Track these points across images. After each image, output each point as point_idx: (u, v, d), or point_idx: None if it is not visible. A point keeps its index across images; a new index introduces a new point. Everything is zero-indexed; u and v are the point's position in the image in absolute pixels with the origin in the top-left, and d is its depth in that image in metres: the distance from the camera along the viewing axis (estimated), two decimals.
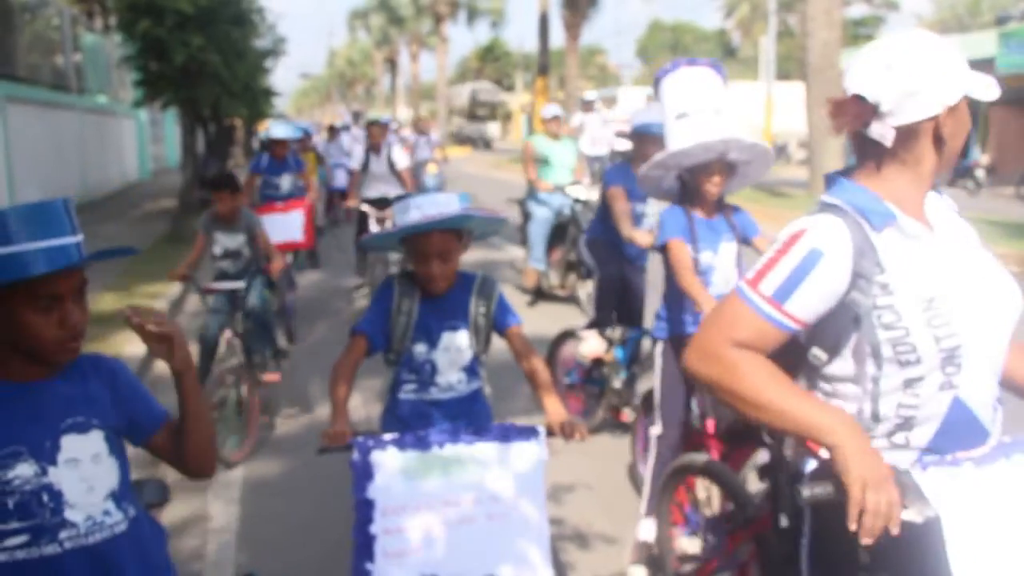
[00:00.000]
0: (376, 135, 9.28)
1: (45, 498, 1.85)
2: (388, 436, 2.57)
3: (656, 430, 4.00)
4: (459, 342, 3.12)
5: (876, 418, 1.91)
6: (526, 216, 9.64)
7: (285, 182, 8.90)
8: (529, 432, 2.64)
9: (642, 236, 5.01)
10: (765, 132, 28.81)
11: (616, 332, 5.38)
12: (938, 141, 1.91)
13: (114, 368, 2.05)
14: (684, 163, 3.80)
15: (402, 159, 9.35)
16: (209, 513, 4.49)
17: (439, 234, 2.95)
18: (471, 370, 3.16)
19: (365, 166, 9.24)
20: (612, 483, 4.79)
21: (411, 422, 3.02)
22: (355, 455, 2.51)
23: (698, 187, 3.85)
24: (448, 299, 3.11)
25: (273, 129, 9.29)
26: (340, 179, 13.74)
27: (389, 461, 2.51)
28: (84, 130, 17.16)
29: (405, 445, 2.53)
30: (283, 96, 31.75)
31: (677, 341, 3.92)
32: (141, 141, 23.79)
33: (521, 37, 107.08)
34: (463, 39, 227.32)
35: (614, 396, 5.33)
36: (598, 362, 5.42)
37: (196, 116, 15.37)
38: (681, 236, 3.86)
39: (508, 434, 2.62)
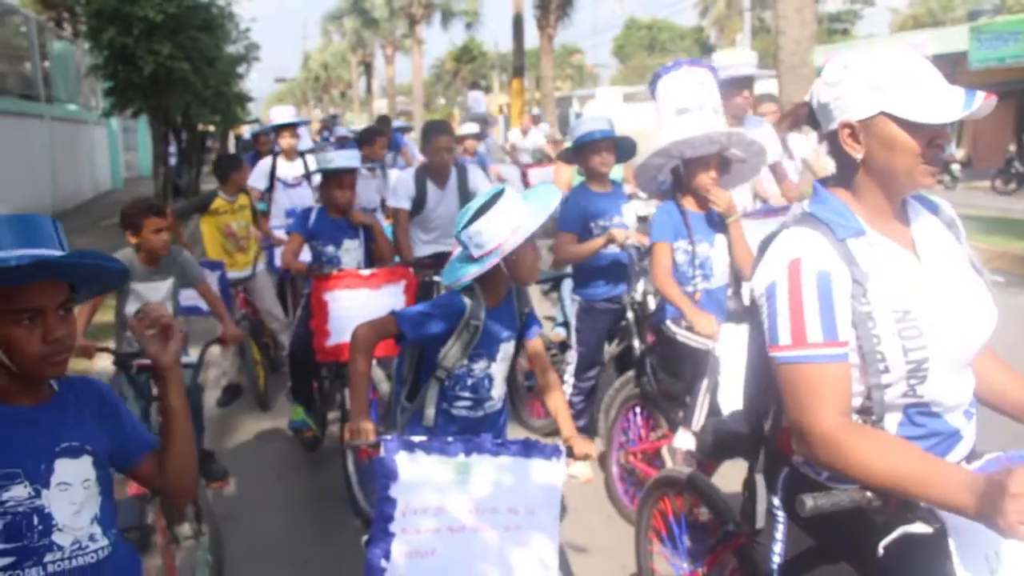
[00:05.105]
0: (441, 154, 5.49)
1: (35, 520, 1.85)
2: (416, 438, 2.55)
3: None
4: (510, 351, 3.07)
5: None
6: None
7: (348, 255, 5.02)
8: (551, 450, 2.65)
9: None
10: None
11: None
12: (844, 154, 1.93)
13: (100, 392, 2.05)
14: (687, 153, 3.82)
15: (484, 183, 5.71)
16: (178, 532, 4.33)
17: None
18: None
19: (420, 202, 5.61)
20: (581, 493, 4.64)
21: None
22: (382, 452, 2.49)
23: (693, 180, 3.87)
24: (506, 307, 3.03)
25: (335, 157, 4.99)
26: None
27: (414, 463, 2.50)
28: (54, 139, 16.89)
29: (432, 449, 2.52)
30: (257, 101, 31.51)
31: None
32: (113, 149, 23.47)
33: (496, 38, 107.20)
34: (438, 41, 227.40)
35: None
36: None
37: (167, 124, 15.18)
38: (667, 239, 3.88)
39: (531, 450, 2.62)
